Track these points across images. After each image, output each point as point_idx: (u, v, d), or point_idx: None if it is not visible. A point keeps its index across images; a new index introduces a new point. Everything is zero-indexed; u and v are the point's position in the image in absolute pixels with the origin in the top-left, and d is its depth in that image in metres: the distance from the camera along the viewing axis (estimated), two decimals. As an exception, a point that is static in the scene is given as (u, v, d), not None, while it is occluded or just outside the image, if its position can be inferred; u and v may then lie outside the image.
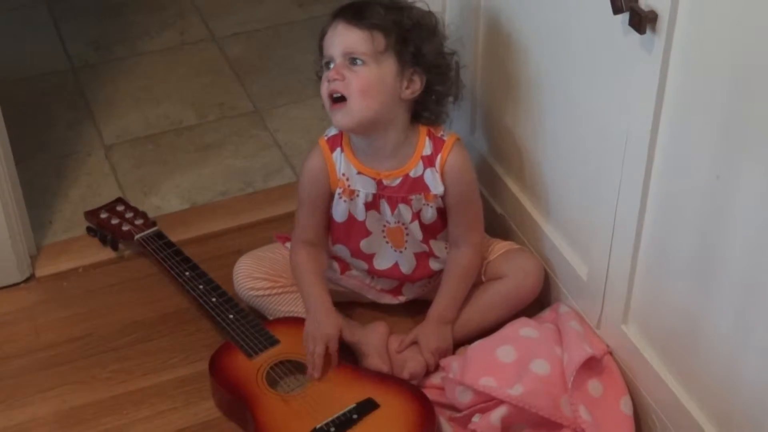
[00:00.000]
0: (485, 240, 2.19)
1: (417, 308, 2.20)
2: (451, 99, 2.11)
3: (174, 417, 2.08)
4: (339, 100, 1.98)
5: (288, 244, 2.22)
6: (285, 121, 2.80)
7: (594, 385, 1.95)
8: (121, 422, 2.07)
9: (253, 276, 2.17)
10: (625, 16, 1.66)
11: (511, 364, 1.95)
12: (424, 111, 2.07)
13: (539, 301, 2.20)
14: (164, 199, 2.57)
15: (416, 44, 2.01)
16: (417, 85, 2.02)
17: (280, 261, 2.19)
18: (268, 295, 2.17)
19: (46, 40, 3.10)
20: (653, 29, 1.63)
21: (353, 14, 1.98)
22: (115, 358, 2.19)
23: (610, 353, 2.01)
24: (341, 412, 1.95)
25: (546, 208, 2.18)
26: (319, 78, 2.07)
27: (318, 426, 1.92)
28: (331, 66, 1.99)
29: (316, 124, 2.76)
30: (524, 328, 2.03)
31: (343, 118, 1.99)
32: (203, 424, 2.06)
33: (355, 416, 1.94)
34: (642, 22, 1.63)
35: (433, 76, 2.04)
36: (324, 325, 2.04)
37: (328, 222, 2.15)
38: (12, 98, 2.43)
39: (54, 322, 2.27)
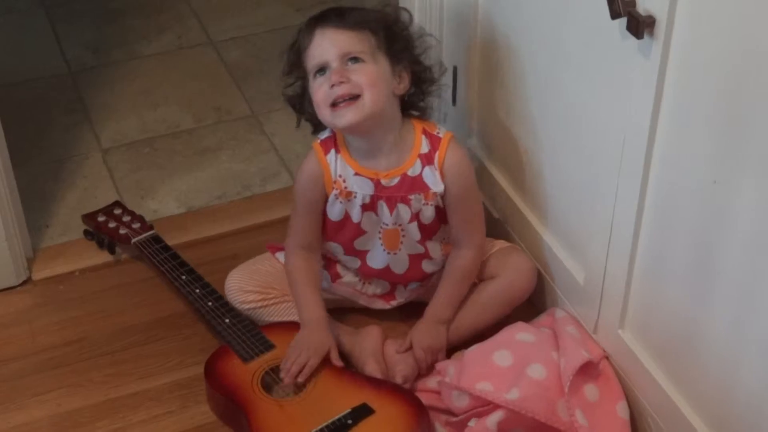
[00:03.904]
0: (486, 243, 2.18)
1: (411, 311, 2.20)
2: (434, 88, 2.12)
3: (170, 421, 2.08)
4: (347, 99, 1.96)
5: (278, 255, 2.22)
6: (282, 125, 2.80)
7: (591, 390, 1.95)
8: (116, 426, 2.07)
9: (245, 289, 2.17)
10: (622, 21, 1.66)
11: (507, 368, 1.95)
12: (410, 106, 2.08)
13: (536, 305, 2.21)
14: (161, 203, 2.57)
15: (402, 40, 2.03)
16: (406, 81, 2.04)
17: (271, 272, 2.19)
18: (260, 307, 2.17)
19: (44, 44, 3.10)
20: (651, 34, 1.63)
21: (339, 18, 1.98)
22: (111, 361, 2.19)
23: (607, 358, 2.01)
24: (336, 418, 1.94)
25: (543, 212, 2.18)
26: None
27: (313, 431, 1.92)
28: (325, 73, 1.97)
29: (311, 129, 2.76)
30: (521, 333, 2.03)
31: (354, 114, 1.96)
32: (199, 428, 2.06)
33: (349, 421, 1.94)
34: (639, 26, 1.63)
35: (418, 70, 2.06)
36: (310, 342, 2.03)
37: (320, 227, 2.14)
38: (9, 102, 2.43)
39: (50, 326, 2.27)
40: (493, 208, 2.33)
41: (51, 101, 2.89)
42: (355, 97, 1.96)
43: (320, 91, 1.98)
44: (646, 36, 1.64)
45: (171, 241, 2.36)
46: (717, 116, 1.58)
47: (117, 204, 2.48)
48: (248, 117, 2.84)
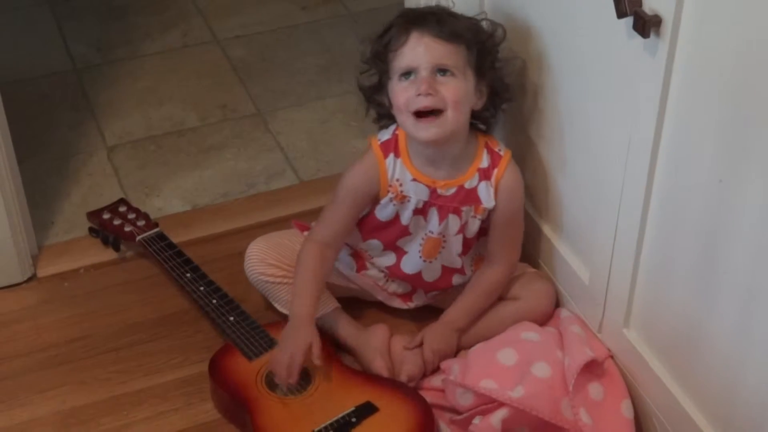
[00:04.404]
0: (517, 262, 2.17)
1: (424, 314, 2.20)
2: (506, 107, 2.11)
3: (174, 418, 2.08)
4: (429, 113, 1.94)
5: (306, 233, 2.18)
6: (287, 123, 2.80)
7: (595, 389, 1.95)
8: (120, 423, 2.07)
9: (267, 261, 2.15)
10: (628, 20, 1.66)
11: (512, 366, 1.95)
12: (477, 118, 2.06)
13: (540, 304, 2.21)
14: (166, 201, 2.57)
15: (491, 57, 2.01)
16: (485, 97, 2.02)
17: (295, 250, 2.13)
18: (279, 283, 2.15)
19: (49, 41, 3.11)
20: (657, 33, 1.63)
21: (439, 26, 1.94)
22: (115, 358, 2.19)
23: (612, 357, 2.01)
24: (340, 416, 1.95)
25: (547, 211, 2.18)
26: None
27: (316, 429, 1.92)
28: (411, 77, 1.95)
29: (317, 127, 2.77)
30: (525, 332, 2.03)
31: (437, 131, 1.94)
32: (203, 426, 2.06)
33: (353, 419, 1.94)
34: (646, 26, 1.63)
35: (499, 88, 2.05)
36: (292, 338, 2.00)
37: (352, 227, 2.12)
38: (15, 99, 2.43)
39: (55, 323, 2.27)
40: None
41: (56, 98, 2.89)
42: (437, 113, 1.94)
43: (404, 95, 1.95)
44: (652, 35, 1.64)
45: (176, 238, 2.36)
46: (723, 115, 1.58)
47: (122, 201, 2.48)
48: (253, 115, 2.84)
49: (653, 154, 1.74)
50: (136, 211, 2.43)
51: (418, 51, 1.94)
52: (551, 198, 2.15)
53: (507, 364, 1.96)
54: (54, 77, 2.97)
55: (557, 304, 2.17)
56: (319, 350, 1.99)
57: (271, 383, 2.01)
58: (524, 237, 2.24)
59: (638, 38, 1.66)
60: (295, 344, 1.98)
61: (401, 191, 2.05)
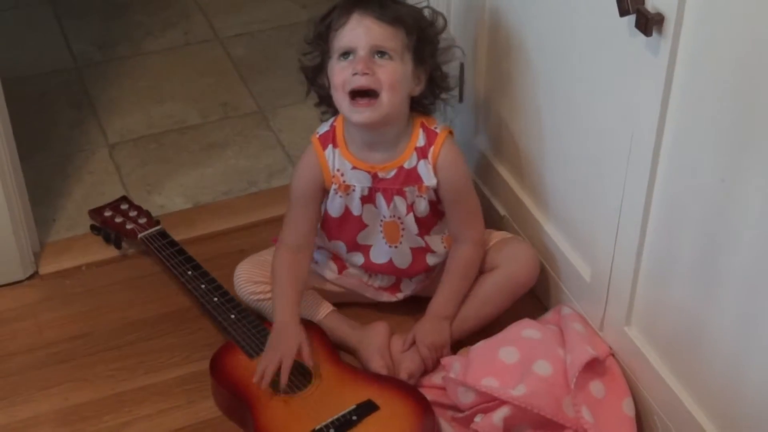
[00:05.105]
0: (486, 235, 2.18)
1: (418, 306, 2.20)
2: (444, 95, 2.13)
3: (175, 415, 2.08)
4: (364, 95, 1.97)
5: None
6: (288, 121, 2.80)
7: (596, 387, 1.95)
8: (122, 420, 2.07)
9: (254, 280, 2.17)
10: (631, 19, 1.66)
11: (513, 364, 1.95)
12: (418, 104, 2.08)
13: (542, 302, 2.21)
14: (168, 198, 2.57)
15: (431, 45, 2.04)
16: (423, 83, 2.05)
17: None
18: (269, 299, 2.16)
19: (51, 39, 3.11)
20: (660, 32, 1.63)
21: (380, 9, 1.98)
22: (117, 356, 2.19)
23: (613, 355, 2.01)
24: (341, 414, 1.95)
25: (549, 209, 2.18)
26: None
27: (317, 427, 1.92)
28: (350, 58, 1.98)
29: (319, 125, 2.76)
30: (527, 330, 2.03)
31: (372, 114, 1.97)
32: (204, 423, 2.06)
33: (354, 418, 1.94)
34: (648, 24, 1.63)
35: (437, 75, 2.07)
36: (280, 343, 2.01)
37: (317, 223, 2.15)
38: (16, 96, 2.43)
39: (57, 320, 2.27)
40: (499, 204, 2.34)
41: (57, 96, 2.89)
42: (373, 95, 1.96)
43: (341, 75, 1.98)
44: (654, 33, 1.64)
45: (177, 236, 2.36)
46: (725, 114, 1.58)
47: (124, 199, 2.48)
48: (255, 113, 2.84)
49: (655, 152, 1.74)
50: (138, 208, 2.44)
51: (358, 32, 1.97)
52: (553, 196, 2.15)
53: (508, 362, 1.96)
54: (55, 75, 2.97)
55: (557, 300, 2.17)
56: (308, 352, 2.01)
57: (272, 381, 2.01)
58: (526, 235, 2.25)
59: (640, 36, 1.66)
60: (284, 348, 2.00)
61: (344, 181, 2.07)
